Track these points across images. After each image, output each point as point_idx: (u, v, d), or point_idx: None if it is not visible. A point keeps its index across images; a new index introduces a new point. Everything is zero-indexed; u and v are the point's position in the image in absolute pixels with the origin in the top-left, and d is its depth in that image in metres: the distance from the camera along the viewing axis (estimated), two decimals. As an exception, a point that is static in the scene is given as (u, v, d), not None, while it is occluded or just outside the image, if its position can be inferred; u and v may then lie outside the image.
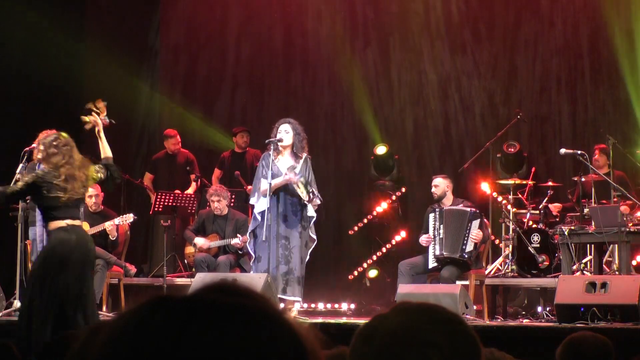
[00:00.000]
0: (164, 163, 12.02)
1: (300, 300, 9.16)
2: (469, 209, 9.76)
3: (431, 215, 9.85)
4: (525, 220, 10.50)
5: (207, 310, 1.06)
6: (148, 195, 11.86)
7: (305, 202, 9.03)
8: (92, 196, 10.16)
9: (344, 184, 12.86)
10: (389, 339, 1.45)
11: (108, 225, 10.02)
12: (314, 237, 9.20)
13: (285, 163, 9.13)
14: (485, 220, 10.10)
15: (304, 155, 9.17)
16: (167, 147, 12.02)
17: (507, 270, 10.25)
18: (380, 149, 12.12)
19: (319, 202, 9.12)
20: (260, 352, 1.05)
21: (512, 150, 11.37)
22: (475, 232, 9.59)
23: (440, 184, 9.94)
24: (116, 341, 1.05)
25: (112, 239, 10.08)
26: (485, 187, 11.17)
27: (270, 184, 8.90)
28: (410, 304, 1.51)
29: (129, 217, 10.19)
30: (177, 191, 11.52)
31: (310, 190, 9.00)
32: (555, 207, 10.46)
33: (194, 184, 11.78)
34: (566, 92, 12.23)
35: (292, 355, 1.07)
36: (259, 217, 9.05)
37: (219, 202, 10.40)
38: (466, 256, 9.58)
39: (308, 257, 9.17)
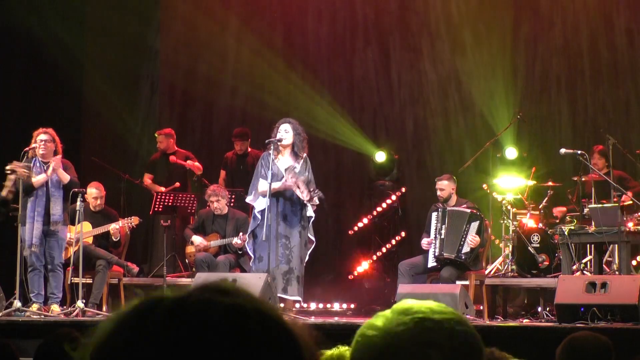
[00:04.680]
0: (162, 163, 11.99)
1: (301, 299, 9.17)
2: (469, 210, 9.74)
3: (434, 215, 9.84)
4: (525, 220, 10.50)
5: (202, 310, 1.06)
6: (150, 195, 11.83)
7: (306, 202, 9.03)
8: (97, 198, 10.16)
9: (344, 184, 12.87)
10: (390, 338, 1.45)
11: (112, 228, 10.02)
12: (313, 238, 9.20)
13: (285, 163, 9.13)
14: (486, 221, 10.08)
15: (304, 155, 9.18)
16: (159, 146, 11.98)
17: (507, 270, 10.25)
18: (379, 156, 12.16)
19: (317, 202, 9.11)
20: (257, 351, 1.05)
21: (511, 157, 11.41)
22: (472, 237, 9.57)
23: (446, 187, 9.89)
24: (112, 342, 1.05)
25: (114, 239, 10.08)
26: (485, 187, 11.18)
27: (270, 184, 8.90)
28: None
29: (135, 220, 10.18)
30: (159, 187, 11.51)
31: (312, 189, 9.00)
32: (559, 212, 10.45)
33: (193, 164, 11.70)
34: (566, 92, 12.24)
35: (288, 354, 1.08)
36: (259, 216, 9.06)
37: (218, 202, 10.39)
38: (463, 257, 9.57)
39: (307, 258, 9.18)
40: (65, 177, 9.33)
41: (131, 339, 1.04)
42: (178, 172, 11.87)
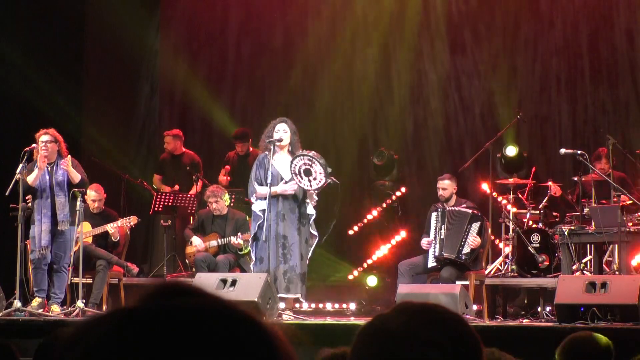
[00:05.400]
0: (169, 164, 12.01)
1: (300, 295, 9.12)
2: (470, 211, 9.74)
3: (433, 215, 9.84)
4: (525, 220, 10.50)
5: (177, 318, 1.05)
6: (150, 195, 11.83)
7: (312, 191, 8.94)
8: (96, 201, 10.16)
9: (344, 184, 12.85)
10: (390, 339, 1.45)
11: (111, 227, 10.01)
12: (315, 233, 9.19)
13: (282, 162, 9.14)
14: (486, 222, 10.07)
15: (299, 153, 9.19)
16: (167, 147, 11.98)
17: (507, 270, 10.25)
18: (380, 157, 12.16)
19: (332, 182, 9.03)
20: (236, 352, 1.05)
21: (512, 154, 11.37)
22: (472, 237, 9.56)
23: (448, 187, 9.88)
24: (89, 357, 1.05)
25: (114, 240, 10.08)
26: (485, 187, 11.17)
27: (270, 188, 8.91)
28: (412, 304, 1.51)
29: (133, 219, 10.17)
30: (167, 187, 11.53)
31: (329, 171, 8.95)
32: (555, 189, 10.40)
33: (194, 187, 11.74)
34: (566, 92, 12.23)
35: (263, 354, 1.07)
36: (260, 214, 9.05)
37: (217, 203, 10.39)
38: (463, 258, 9.56)
39: (310, 254, 9.17)
40: (76, 177, 9.32)
41: (108, 355, 1.04)
42: (185, 173, 11.87)
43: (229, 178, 11.70)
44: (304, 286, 9.09)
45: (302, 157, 8.94)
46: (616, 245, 9.35)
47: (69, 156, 9.31)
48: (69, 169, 9.26)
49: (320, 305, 11.39)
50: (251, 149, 11.71)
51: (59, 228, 9.24)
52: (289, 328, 1.15)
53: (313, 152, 9.04)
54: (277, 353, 1.08)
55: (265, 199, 8.97)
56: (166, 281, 1.13)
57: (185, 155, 11.96)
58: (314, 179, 8.93)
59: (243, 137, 11.75)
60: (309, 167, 8.92)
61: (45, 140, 9.24)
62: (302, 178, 8.94)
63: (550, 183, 10.45)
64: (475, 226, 9.62)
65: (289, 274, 8.95)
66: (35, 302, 9.15)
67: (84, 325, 1.08)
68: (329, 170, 8.97)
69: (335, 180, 9.06)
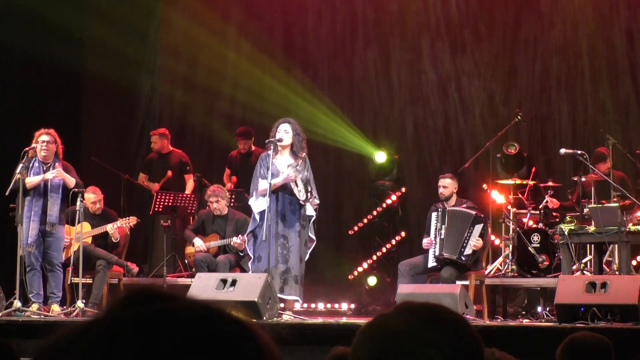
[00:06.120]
0: (158, 163, 11.99)
1: (299, 299, 9.16)
2: (473, 212, 9.73)
3: (434, 215, 9.84)
4: (525, 220, 10.50)
5: (165, 323, 1.05)
6: (150, 194, 11.83)
7: (302, 202, 9.04)
8: (96, 202, 10.16)
9: (344, 184, 12.87)
10: (391, 338, 1.45)
11: (110, 228, 10.01)
12: (313, 237, 9.20)
13: (284, 162, 9.15)
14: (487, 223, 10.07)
15: (303, 155, 9.19)
16: (154, 146, 11.98)
17: (507, 270, 10.25)
18: (380, 157, 12.17)
19: (317, 202, 9.14)
20: (226, 350, 1.05)
21: (512, 151, 11.36)
22: (475, 239, 9.56)
23: (449, 186, 9.89)
24: None
25: (114, 241, 10.08)
26: (485, 187, 11.18)
27: (270, 184, 8.91)
28: (413, 304, 1.51)
29: (132, 220, 10.17)
30: (155, 184, 11.53)
31: (309, 190, 9.02)
32: (553, 202, 10.44)
33: (191, 182, 11.74)
34: (566, 92, 12.24)
35: (252, 348, 1.07)
36: (257, 218, 9.07)
37: (218, 203, 10.38)
38: (464, 259, 9.56)
39: (307, 257, 9.18)
40: (71, 181, 9.32)
41: None
42: (174, 172, 11.87)
43: (232, 185, 11.69)
44: (301, 288, 9.09)
45: (294, 170, 9.02)
46: (616, 245, 9.36)
47: (59, 166, 9.28)
48: (64, 176, 9.26)
49: (320, 305, 11.39)
50: (253, 147, 11.72)
51: (47, 229, 9.23)
52: (269, 326, 1.15)
53: (300, 175, 9.06)
54: (262, 349, 1.08)
55: (265, 195, 8.96)
56: (138, 287, 1.12)
57: (173, 154, 11.95)
58: (299, 191, 9.02)
59: (246, 135, 11.77)
60: (295, 183, 9.02)
61: (45, 140, 9.23)
62: (296, 185, 9.04)
63: (547, 198, 10.42)
64: (478, 228, 9.62)
65: (286, 275, 8.96)
66: (34, 307, 9.15)
67: (66, 338, 1.06)
68: (310, 192, 9.02)
69: (316, 202, 9.12)
